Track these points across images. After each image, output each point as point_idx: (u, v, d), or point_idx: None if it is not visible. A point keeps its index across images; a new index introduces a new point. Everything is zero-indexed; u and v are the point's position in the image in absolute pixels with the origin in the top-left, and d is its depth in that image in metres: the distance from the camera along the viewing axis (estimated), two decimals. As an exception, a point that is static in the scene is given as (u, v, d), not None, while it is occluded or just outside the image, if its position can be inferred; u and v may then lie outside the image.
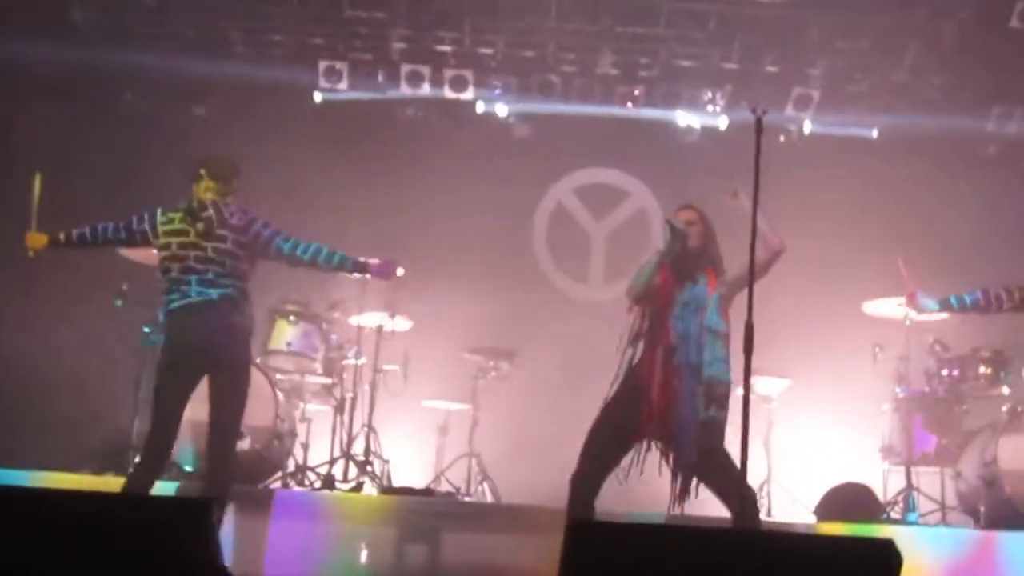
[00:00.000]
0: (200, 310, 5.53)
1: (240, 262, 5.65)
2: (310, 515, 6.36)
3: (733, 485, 4.60)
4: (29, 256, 5.72)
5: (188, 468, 6.73)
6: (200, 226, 5.62)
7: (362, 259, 5.95)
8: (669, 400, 4.84)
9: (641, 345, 4.99)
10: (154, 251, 5.79)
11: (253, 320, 5.77)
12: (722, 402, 4.89)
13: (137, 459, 5.62)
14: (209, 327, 5.51)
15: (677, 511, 4.95)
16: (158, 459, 5.54)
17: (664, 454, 4.93)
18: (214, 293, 5.54)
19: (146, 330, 7.09)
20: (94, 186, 8.52)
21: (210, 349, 5.53)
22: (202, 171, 5.77)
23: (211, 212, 5.66)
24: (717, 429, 4.83)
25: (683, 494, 4.85)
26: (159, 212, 5.74)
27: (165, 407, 5.51)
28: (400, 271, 6.15)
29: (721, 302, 5.01)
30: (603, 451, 4.92)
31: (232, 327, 5.55)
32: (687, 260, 5.03)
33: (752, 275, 4.45)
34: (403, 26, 8.84)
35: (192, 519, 3.20)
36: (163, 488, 6.01)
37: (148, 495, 5.20)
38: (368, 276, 6.33)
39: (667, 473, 4.94)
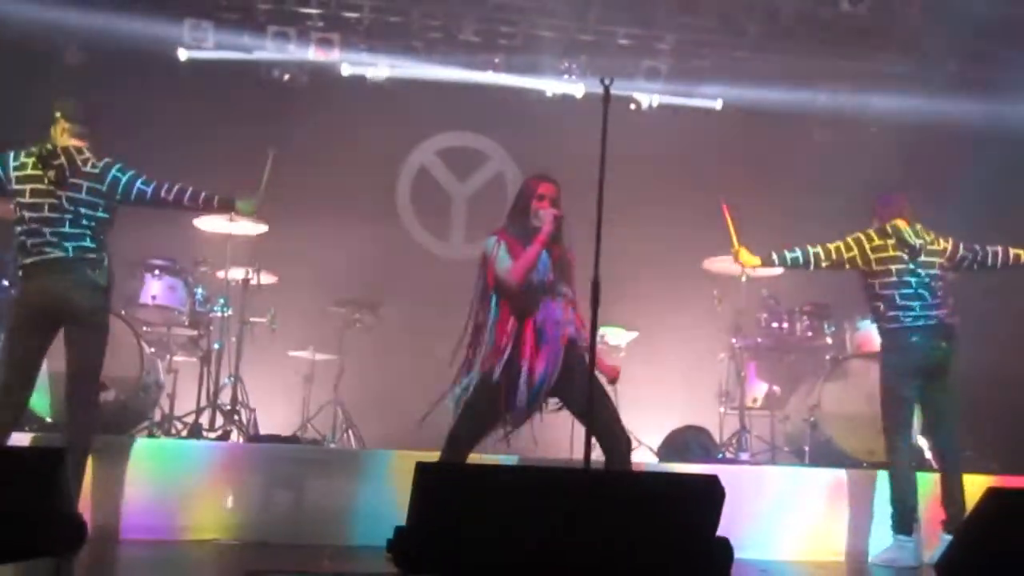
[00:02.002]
0: (54, 267, 5.19)
1: (97, 211, 5.30)
2: (176, 463, 6.17)
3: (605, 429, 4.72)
4: None
5: (47, 418, 6.40)
6: (52, 174, 5.23)
7: (227, 197, 5.67)
8: (541, 357, 4.82)
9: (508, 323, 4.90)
10: (9, 202, 5.37)
11: (110, 274, 5.39)
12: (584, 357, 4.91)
13: None
14: (62, 285, 5.18)
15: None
16: (13, 415, 5.25)
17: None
18: (69, 247, 5.20)
19: (4, 283, 6.63)
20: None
21: (62, 308, 5.20)
22: (57, 113, 5.35)
23: (63, 160, 5.26)
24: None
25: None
26: (11, 156, 5.31)
27: (19, 366, 5.22)
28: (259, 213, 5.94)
29: (566, 271, 5.02)
30: (482, 427, 4.89)
31: (85, 284, 5.21)
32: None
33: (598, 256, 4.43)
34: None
35: (44, 469, 3.07)
36: (20, 439, 5.74)
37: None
38: (235, 213, 6.03)
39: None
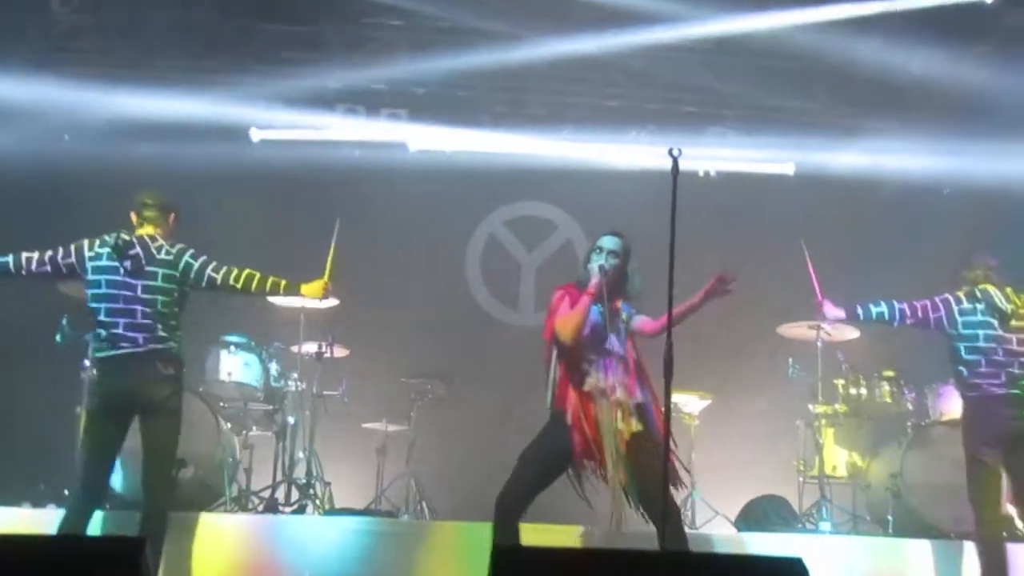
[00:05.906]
0: (127, 361, 5.32)
1: (171, 297, 5.43)
2: (253, 538, 6.18)
3: (656, 503, 4.57)
4: None
5: (124, 495, 6.44)
6: (128, 264, 5.38)
7: (295, 281, 5.77)
8: (592, 425, 4.81)
9: (558, 375, 4.97)
10: (82, 286, 5.52)
11: (180, 361, 5.50)
12: (641, 416, 4.88)
13: (70, 496, 5.44)
14: (134, 380, 5.32)
15: (614, 527, 4.94)
16: (93, 500, 5.38)
17: (601, 476, 4.89)
18: (140, 339, 5.33)
19: (86, 363, 6.71)
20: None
21: (135, 401, 5.34)
22: (138, 202, 5.55)
23: (138, 249, 5.42)
24: (642, 442, 4.82)
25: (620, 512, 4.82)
26: (86, 245, 5.47)
27: (96, 452, 5.36)
28: (330, 296, 5.99)
29: (623, 328, 4.99)
30: (532, 477, 4.88)
31: (156, 379, 5.34)
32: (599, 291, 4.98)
33: (670, 323, 4.37)
34: (338, 66, 8.61)
35: (126, 558, 3.07)
36: (100, 518, 5.80)
37: (81, 536, 4.99)
38: (302, 297, 6.08)
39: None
